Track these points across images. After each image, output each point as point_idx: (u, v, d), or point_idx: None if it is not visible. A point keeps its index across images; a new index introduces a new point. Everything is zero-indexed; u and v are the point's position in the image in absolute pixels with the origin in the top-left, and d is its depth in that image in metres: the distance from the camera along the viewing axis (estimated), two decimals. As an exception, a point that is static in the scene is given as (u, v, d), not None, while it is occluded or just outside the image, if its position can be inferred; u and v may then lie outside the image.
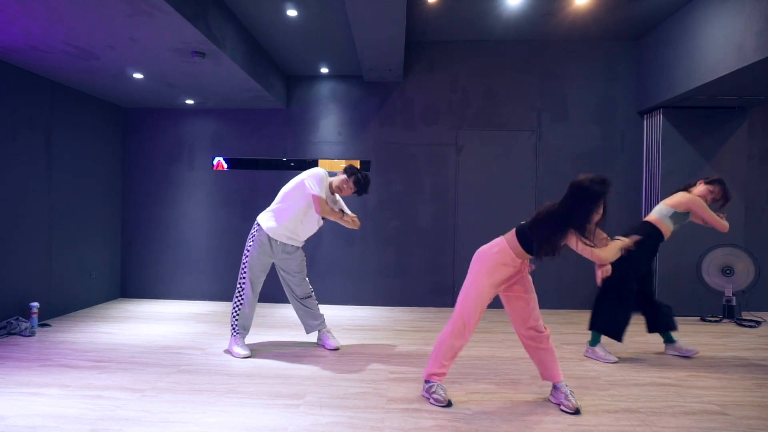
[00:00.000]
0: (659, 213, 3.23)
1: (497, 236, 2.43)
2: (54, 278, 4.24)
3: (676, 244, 4.55)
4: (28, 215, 3.95)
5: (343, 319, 4.38)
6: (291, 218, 3.15)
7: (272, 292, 5.01)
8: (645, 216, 4.76)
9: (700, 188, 3.24)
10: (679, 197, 3.20)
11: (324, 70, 5.00)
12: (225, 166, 5.22)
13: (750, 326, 4.17)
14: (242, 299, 3.20)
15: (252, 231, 3.23)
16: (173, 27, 3.04)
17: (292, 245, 3.27)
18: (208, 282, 5.17)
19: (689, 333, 3.93)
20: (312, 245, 5.10)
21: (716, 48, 3.63)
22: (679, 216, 3.19)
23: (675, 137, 4.56)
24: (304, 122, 5.15)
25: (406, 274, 5.03)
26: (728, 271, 4.30)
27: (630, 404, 2.44)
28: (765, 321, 4.33)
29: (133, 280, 5.25)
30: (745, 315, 4.52)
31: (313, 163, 5.14)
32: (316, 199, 3.03)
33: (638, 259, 3.05)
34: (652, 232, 3.18)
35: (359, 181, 3.16)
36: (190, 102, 4.96)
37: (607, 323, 3.13)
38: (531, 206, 4.88)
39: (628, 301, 3.12)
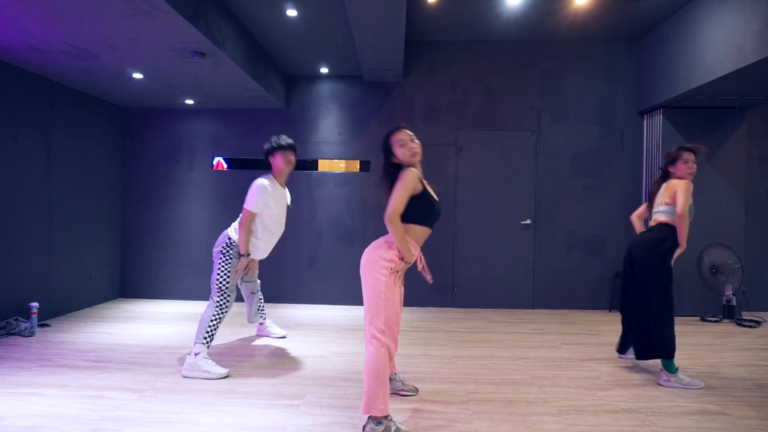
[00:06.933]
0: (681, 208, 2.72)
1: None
2: (54, 278, 4.24)
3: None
4: (27, 215, 3.94)
5: (343, 319, 4.37)
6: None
7: (274, 291, 5.05)
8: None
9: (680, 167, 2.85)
10: (683, 186, 2.75)
11: (324, 70, 4.99)
12: (225, 166, 5.22)
13: (750, 326, 4.17)
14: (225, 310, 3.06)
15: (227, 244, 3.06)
16: (173, 27, 3.04)
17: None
18: (208, 282, 5.15)
19: (689, 333, 3.93)
20: (312, 245, 5.10)
21: (716, 48, 3.64)
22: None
23: (675, 137, 4.55)
24: (304, 122, 5.15)
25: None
26: (714, 271, 4.32)
27: (630, 404, 2.44)
28: (765, 321, 4.33)
29: (133, 280, 5.25)
30: (745, 315, 4.52)
31: (313, 163, 5.14)
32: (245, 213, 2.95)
33: (669, 268, 2.77)
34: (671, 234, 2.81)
35: (274, 146, 3.15)
36: (189, 102, 4.96)
37: (670, 345, 2.72)
38: (531, 206, 4.88)
39: (671, 310, 2.76)
